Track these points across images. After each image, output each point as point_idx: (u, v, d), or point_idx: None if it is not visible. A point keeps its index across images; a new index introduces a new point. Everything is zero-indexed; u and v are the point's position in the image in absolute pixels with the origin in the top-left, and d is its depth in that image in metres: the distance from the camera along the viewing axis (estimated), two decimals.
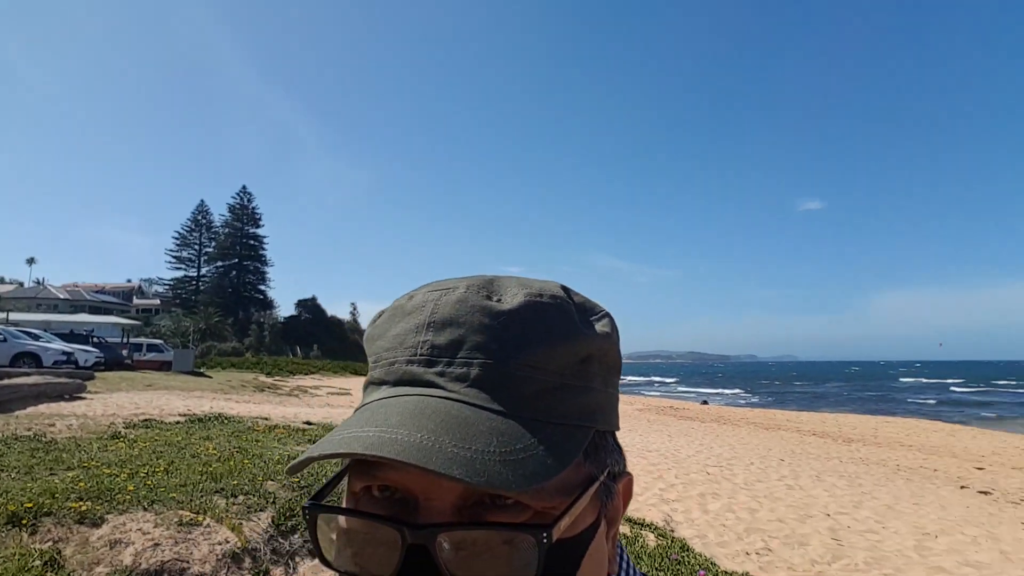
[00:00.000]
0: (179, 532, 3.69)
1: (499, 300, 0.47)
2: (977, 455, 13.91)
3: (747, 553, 5.60)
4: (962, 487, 9.68)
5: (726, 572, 4.87)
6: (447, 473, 0.37)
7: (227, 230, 75.11)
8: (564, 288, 0.51)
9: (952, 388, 57.18)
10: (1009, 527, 7.13)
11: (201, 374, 28.21)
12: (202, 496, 4.25)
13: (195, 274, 74.80)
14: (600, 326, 0.50)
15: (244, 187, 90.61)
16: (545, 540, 0.40)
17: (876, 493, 8.52)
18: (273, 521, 4.16)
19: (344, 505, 0.47)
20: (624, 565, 0.56)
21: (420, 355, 0.46)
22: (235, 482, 4.67)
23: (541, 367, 0.45)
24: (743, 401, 44.04)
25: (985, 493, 9.27)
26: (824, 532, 6.34)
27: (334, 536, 0.46)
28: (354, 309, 79.81)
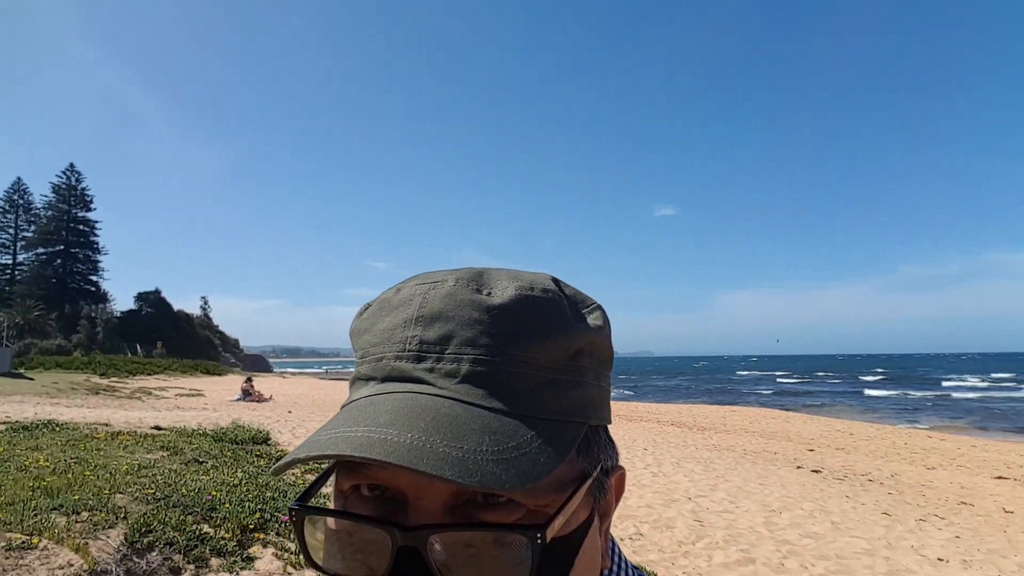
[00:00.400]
0: (9, 558, 3.20)
1: (489, 293, 0.46)
2: (808, 439, 15.74)
3: (621, 539, 5.91)
4: (798, 467, 10.90)
5: None
6: (439, 475, 0.36)
7: (50, 213, 66.49)
8: (555, 280, 0.50)
9: (779, 380, 64.35)
10: (836, 500, 8.14)
11: (20, 376, 24.76)
12: (35, 515, 3.72)
13: (10, 261, 65.54)
14: (592, 319, 0.49)
15: (72, 165, 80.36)
16: (539, 540, 0.40)
17: (728, 476, 9.35)
18: (126, 539, 3.73)
19: (332, 504, 0.46)
20: (616, 559, 0.56)
21: (408, 350, 0.45)
22: (76, 497, 4.14)
23: (533, 362, 0.45)
24: None
25: (816, 472, 10.51)
26: (687, 515, 6.86)
27: (322, 538, 0.45)
28: (205, 303, 73.99)
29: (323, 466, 0.50)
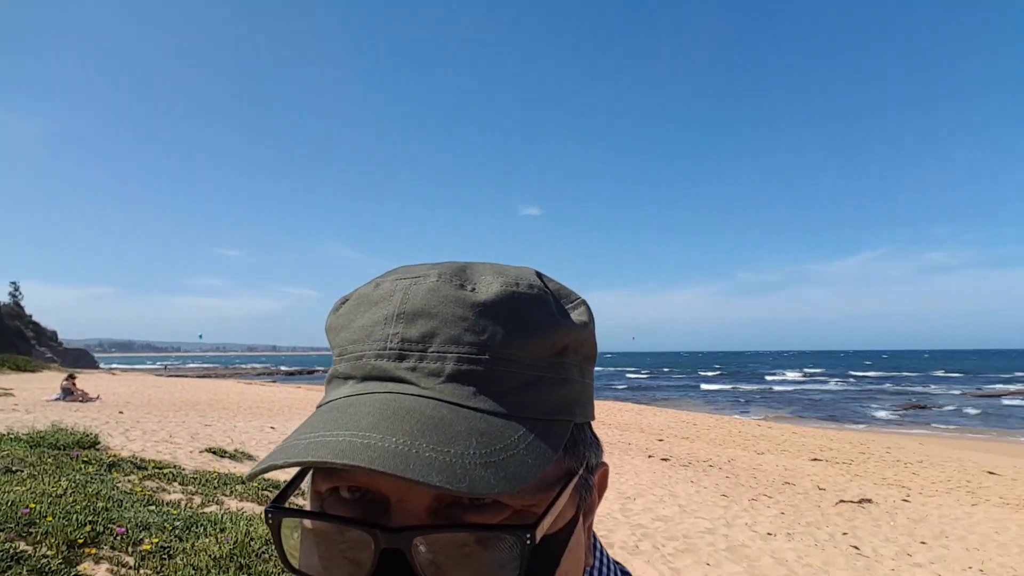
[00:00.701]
0: None
1: (473, 289, 0.45)
2: (658, 429, 16.98)
3: None
4: (649, 456, 11.70)
5: None
6: (426, 481, 0.35)
7: None
8: (539, 275, 0.50)
9: (630, 376, 68.95)
10: (683, 485, 8.85)
11: None
12: None
13: None
14: (576, 315, 0.49)
15: None
16: (529, 541, 0.39)
17: None
18: None
19: (308, 505, 0.44)
20: (599, 555, 0.56)
21: (390, 348, 0.44)
22: None
23: (519, 360, 0.44)
24: None
25: (665, 460, 11.35)
26: None
27: (299, 541, 0.43)
28: (15, 289, 64.51)
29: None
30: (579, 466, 0.47)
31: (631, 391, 44.23)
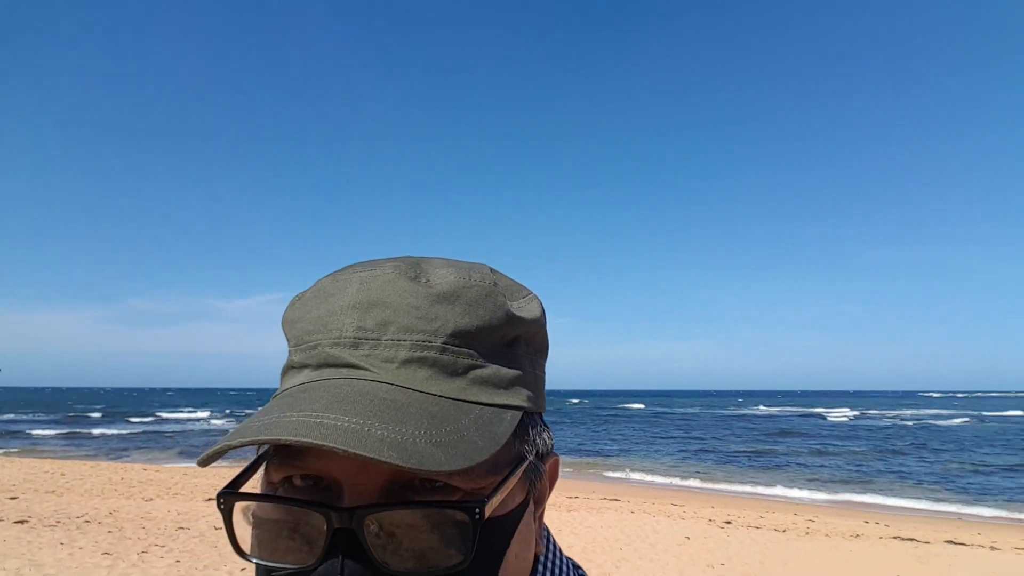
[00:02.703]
0: None
1: (427, 281, 0.48)
2: (8, 485, 13.56)
3: None
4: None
5: None
6: (377, 457, 0.37)
7: None
8: (492, 270, 0.53)
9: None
10: (51, 550, 7.29)
11: None
12: None
13: None
14: (528, 309, 0.53)
15: None
16: (478, 516, 0.42)
17: None
18: None
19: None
20: (550, 545, 0.58)
21: (345, 337, 0.46)
22: None
23: (469, 349, 0.47)
24: None
25: (22, 522, 9.14)
26: None
27: (251, 526, 0.45)
28: None
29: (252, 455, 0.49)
30: (529, 452, 0.50)
31: None
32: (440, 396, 0.44)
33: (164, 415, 56.52)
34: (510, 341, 0.50)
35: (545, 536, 0.58)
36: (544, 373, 0.56)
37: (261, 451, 0.49)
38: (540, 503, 0.53)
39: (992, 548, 10.35)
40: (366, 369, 0.45)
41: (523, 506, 0.49)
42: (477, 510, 0.41)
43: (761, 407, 78.35)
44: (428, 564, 0.41)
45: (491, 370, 0.48)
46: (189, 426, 45.13)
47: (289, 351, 0.50)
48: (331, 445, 0.37)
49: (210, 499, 12.46)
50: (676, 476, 20.27)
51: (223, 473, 17.29)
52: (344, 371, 0.45)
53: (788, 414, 62.93)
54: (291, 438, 0.37)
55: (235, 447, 0.40)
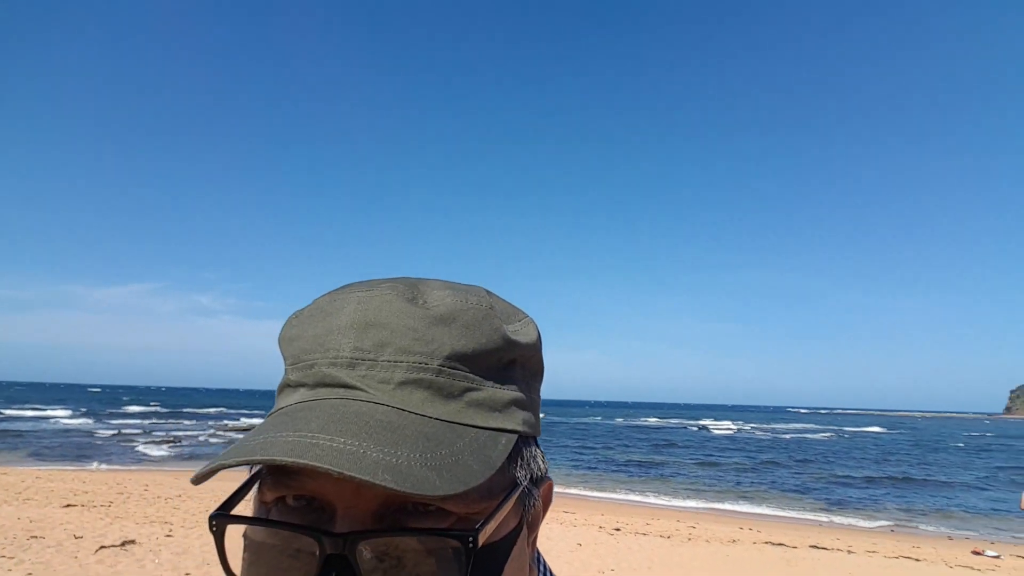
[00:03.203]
0: None
1: (425, 303, 0.48)
2: None
3: None
4: None
5: None
6: (372, 480, 0.37)
7: None
8: (488, 293, 0.53)
9: None
10: None
11: None
12: None
13: None
14: (524, 332, 0.52)
15: None
16: (471, 544, 0.41)
17: None
18: None
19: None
20: (542, 569, 0.57)
21: (342, 357, 0.46)
22: None
23: (465, 371, 0.47)
24: None
25: None
26: None
27: (243, 550, 0.45)
28: None
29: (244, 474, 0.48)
30: (524, 478, 0.49)
31: None
32: (436, 419, 0.44)
33: (11, 412, 50.95)
34: (506, 364, 0.50)
35: (537, 560, 0.58)
36: (539, 397, 0.56)
37: (255, 470, 0.48)
38: (533, 528, 0.53)
39: (849, 552, 11.37)
40: (362, 390, 0.44)
41: (517, 531, 0.48)
42: (471, 538, 0.41)
43: (652, 419, 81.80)
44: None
45: (487, 393, 0.48)
46: (42, 425, 40.98)
47: (286, 369, 0.50)
48: (326, 467, 0.36)
49: (69, 505, 11.39)
50: (569, 485, 20.77)
51: (87, 478, 15.78)
52: (340, 391, 0.45)
53: (673, 426, 66.16)
54: (286, 459, 0.37)
55: (229, 466, 0.39)
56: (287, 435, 0.40)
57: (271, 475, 0.45)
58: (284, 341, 0.51)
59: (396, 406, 0.44)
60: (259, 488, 0.46)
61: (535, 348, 0.53)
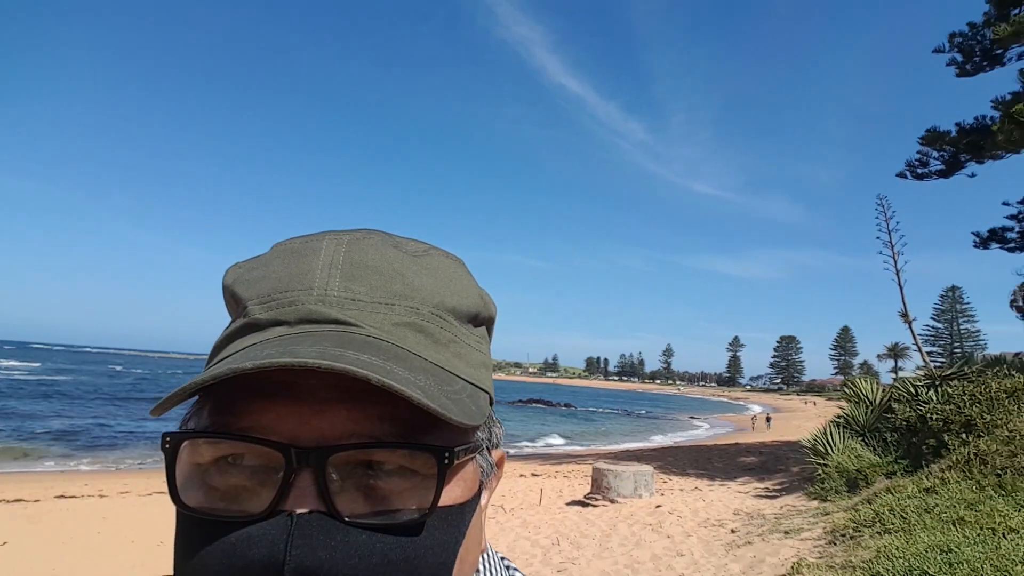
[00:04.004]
0: None
1: (412, 252, 0.48)
2: None
3: None
4: None
5: None
6: (406, 392, 0.36)
7: None
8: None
9: None
10: None
11: None
12: None
13: None
14: (489, 299, 0.53)
15: None
16: (447, 461, 0.40)
17: None
18: None
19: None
20: (485, 544, 0.55)
21: (331, 295, 0.43)
22: None
23: (450, 322, 0.47)
24: None
25: None
26: None
27: (192, 471, 0.40)
28: None
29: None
30: (487, 439, 0.48)
31: None
32: (432, 362, 0.43)
33: None
34: (480, 323, 0.51)
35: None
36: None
37: (191, 402, 0.43)
38: (488, 495, 0.51)
39: (101, 496, 11.16)
40: (358, 326, 0.42)
41: (477, 496, 0.46)
42: (447, 454, 0.40)
43: None
44: (388, 510, 0.39)
45: (467, 349, 0.48)
46: None
47: (247, 309, 0.44)
48: (364, 373, 0.35)
49: None
50: None
51: None
52: (333, 326, 0.41)
53: None
54: (322, 362, 0.35)
55: (237, 372, 0.36)
56: (304, 349, 0.37)
57: (219, 405, 0.40)
58: (240, 283, 0.47)
59: (396, 343, 0.42)
60: (190, 447, 0.40)
61: (493, 323, 0.54)
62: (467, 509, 0.44)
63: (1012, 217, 15.95)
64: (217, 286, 0.50)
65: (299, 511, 0.37)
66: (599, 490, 10.48)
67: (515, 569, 0.59)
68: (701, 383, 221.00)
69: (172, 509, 0.40)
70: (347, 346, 0.39)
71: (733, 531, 7.46)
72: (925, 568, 4.28)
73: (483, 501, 0.48)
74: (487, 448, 0.48)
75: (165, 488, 0.40)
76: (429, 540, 0.40)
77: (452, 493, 0.41)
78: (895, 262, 15.60)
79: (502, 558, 0.59)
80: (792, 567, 5.33)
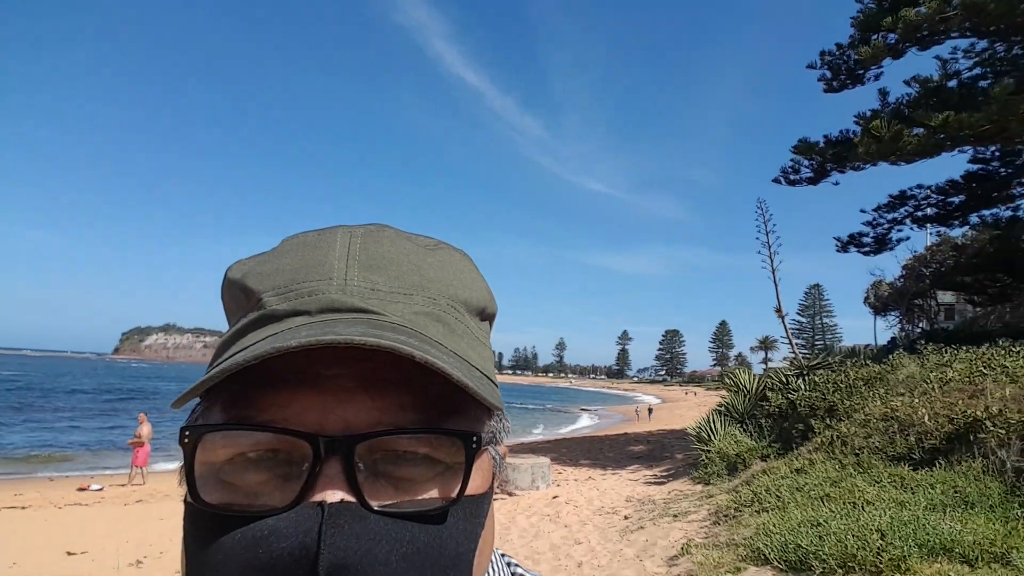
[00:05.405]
0: None
1: (421, 244, 0.49)
2: None
3: None
4: None
5: None
6: (446, 369, 0.37)
7: None
8: None
9: None
10: None
11: None
12: None
13: None
14: (493, 295, 0.54)
15: None
16: (475, 444, 0.40)
17: None
18: None
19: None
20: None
21: (352, 285, 0.43)
22: None
23: (464, 316, 0.48)
24: None
25: None
26: None
27: (206, 470, 0.40)
28: None
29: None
30: (501, 430, 0.48)
31: None
32: (452, 351, 0.43)
33: None
34: (486, 318, 0.52)
35: None
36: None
37: (195, 402, 0.43)
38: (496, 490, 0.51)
39: None
40: (382, 314, 0.42)
41: (492, 489, 0.47)
42: (474, 438, 0.40)
43: None
44: (414, 499, 0.39)
45: (478, 342, 0.48)
46: None
47: (262, 301, 0.44)
48: (408, 351, 0.36)
49: None
50: None
51: None
52: (358, 315, 0.41)
53: None
54: (366, 339, 0.35)
55: (265, 356, 0.35)
56: (338, 330, 0.37)
57: (234, 400, 0.39)
58: (252, 276, 0.46)
59: (419, 331, 0.42)
60: (204, 445, 0.39)
61: (496, 313, 0.54)
62: (484, 499, 0.44)
63: (868, 224, 17.62)
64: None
65: (330, 501, 0.36)
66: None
67: (516, 564, 0.59)
68: (592, 375, 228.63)
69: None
70: (380, 329, 0.39)
71: (626, 517, 7.83)
72: (799, 542, 4.70)
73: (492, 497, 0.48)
74: (498, 441, 0.49)
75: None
76: (453, 529, 0.40)
77: (473, 483, 0.42)
78: (771, 261, 16.82)
79: (503, 555, 0.59)
80: (682, 548, 5.68)
